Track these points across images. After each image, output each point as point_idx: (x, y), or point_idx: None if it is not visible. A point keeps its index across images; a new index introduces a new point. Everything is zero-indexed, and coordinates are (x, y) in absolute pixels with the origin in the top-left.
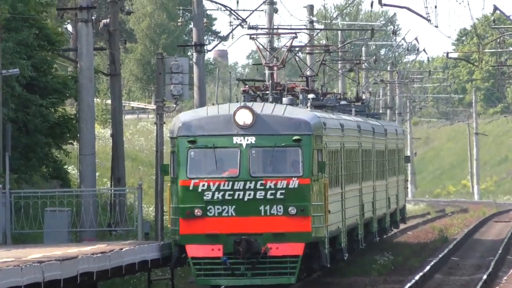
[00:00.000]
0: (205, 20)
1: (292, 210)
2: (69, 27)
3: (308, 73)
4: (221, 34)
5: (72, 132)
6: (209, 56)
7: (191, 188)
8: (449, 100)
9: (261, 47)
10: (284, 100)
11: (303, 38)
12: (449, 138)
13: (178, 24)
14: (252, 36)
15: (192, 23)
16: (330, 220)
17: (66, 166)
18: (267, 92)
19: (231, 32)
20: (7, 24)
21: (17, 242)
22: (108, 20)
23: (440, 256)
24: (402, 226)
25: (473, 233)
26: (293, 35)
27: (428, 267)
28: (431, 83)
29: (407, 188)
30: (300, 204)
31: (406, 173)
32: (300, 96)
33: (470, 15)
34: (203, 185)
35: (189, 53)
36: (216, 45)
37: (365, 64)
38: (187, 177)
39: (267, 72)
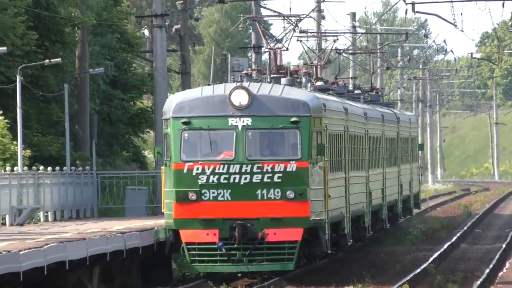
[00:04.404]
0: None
1: (290, 194)
2: (146, 32)
3: (315, 61)
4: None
5: (148, 122)
6: (266, 57)
7: (185, 171)
8: (473, 94)
9: (306, 48)
10: (283, 80)
11: (347, 41)
12: (473, 127)
13: (240, 29)
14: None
15: (251, 28)
16: (331, 205)
17: (143, 151)
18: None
19: (285, 35)
20: (93, 30)
21: (103, 215)
22: (179, 25)
23: (465, 228)
24: (431, 203)
25: (493, 209)
26: (293, 24)
27: (455, 238)
28: (457, 80)
29: (422, 175)
30: (298, 188)
31: (420, 160)
32: (303, 80)
33: (491, 21)
34: (198, 168)
35: (249, 54)
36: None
37: (400, 63)
38: (180, 160)
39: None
